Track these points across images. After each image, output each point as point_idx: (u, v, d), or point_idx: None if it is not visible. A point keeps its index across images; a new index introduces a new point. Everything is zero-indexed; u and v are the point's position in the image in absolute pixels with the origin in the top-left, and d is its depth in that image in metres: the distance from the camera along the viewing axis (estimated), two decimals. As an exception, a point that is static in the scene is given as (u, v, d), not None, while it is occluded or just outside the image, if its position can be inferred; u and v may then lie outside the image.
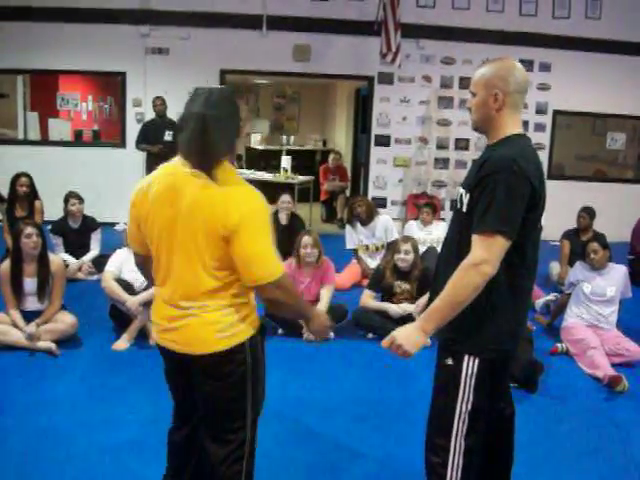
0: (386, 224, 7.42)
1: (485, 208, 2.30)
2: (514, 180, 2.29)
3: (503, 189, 2.28)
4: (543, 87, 10.46)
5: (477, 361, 2.46)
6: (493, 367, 2.51)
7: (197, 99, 2.30)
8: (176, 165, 2.37)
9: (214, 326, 2.35)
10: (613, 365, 4.97)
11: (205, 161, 2.27)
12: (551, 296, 6.36)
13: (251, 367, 2.43)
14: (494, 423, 2.68)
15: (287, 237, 6.54)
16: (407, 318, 5.42)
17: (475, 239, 2.32)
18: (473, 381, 2.46)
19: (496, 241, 2.28)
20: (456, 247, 2.46)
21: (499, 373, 2.57)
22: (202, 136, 2.25)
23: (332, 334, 5.55)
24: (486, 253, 2.28)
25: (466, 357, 2.46)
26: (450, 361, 2.50)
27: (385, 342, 2.42)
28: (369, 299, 5.69)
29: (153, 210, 2.37)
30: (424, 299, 5.52)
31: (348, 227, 7.54)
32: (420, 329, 2.37)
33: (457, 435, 2.51)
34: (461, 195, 2.49)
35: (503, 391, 2.73)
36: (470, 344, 2.46)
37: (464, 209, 2.44)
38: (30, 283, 5.02)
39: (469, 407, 2.48)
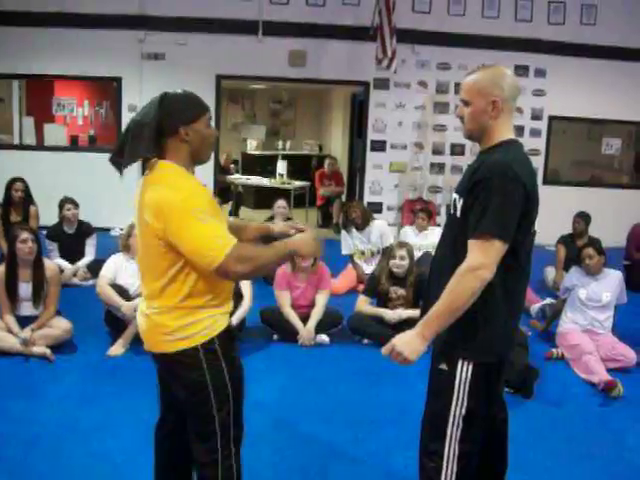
0: (381, 229, 7.42)
1: (481, 213, 2.31)
2: (509, 185, 2.30)
3: (499, 194, 2.28)
4: (538, 93, 10.49)
5: (471, 366, 2.46)
6: (487, 371, 2.51)
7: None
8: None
9: (161, 328, 2.38)
10: (608, 370, 4.97)
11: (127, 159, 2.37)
12: (547, 301, 6.36)
13: (209, 374, 2.39)
14: (488, 428, 2.67)
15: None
16: (402, 324, 5.43)
17: (472, 244, 2.33)
18: (467, 386, 2.46)
19: (493, 246, 2.29)
20: (451, 252, 2.47)
21: (493, 377, 2.57)
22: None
23: (327, 339, 5.55)
24: (483, 258, 2.29)
25: (460, 362, 2.46)
26: (444, 366, 2.50)
27: (385, 349, 2.41)
28: (364, 304, 5.69)
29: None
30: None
31: (343, 232, 7.53)
32: (419, 335, 2.37)
33: (451, 440, 2.50)
34: (455, 200, 2.49)
35: (496, 395, 2.73)
36: (465, 348, 2.46)
37: (458, 214, 2.45)
38: (25, 288, 5.02)
39: (463, 412, 2.48)
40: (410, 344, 2.36)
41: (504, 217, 2.29)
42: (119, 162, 2.37)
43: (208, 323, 2.40)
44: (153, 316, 2.40)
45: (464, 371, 2.46)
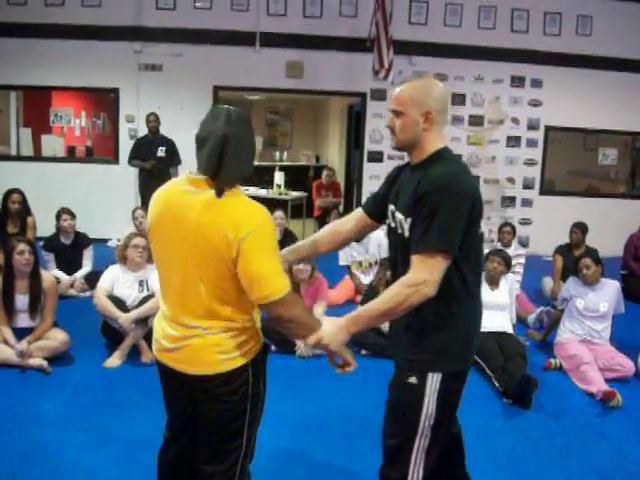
0: (380, 240, 7.41)
1: (425, 228, 2.29)
2: (454, 198, 2.28)
3: (444, 208, 2.27)
4: (535, 103, 10.53)
5: (440, 376, 2.45)
6: (456, 380, 2.52)
7: (218, 117, 2.26)
8: (181, 182, 2.36)
9: (217, 347, 2.33)
10: (607, 380, 4.97)
11: (226, 179, 2.25)
12: (541, 308, 6.34)
13: (251, 387, 2.41)
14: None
15: (280, 253, 6.51)
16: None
17: (415, 260, 2.32)
18: (436, 396, 2.46)
19: (437, 261, 2.28)
20: (403, 272, 2.40)
21: (461, 385, 2.58)
22: (224, 154, 2.23)
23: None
24: (427, 274, 2.28)
25: (430, 374, 2.45)
26: (414, 380, 2.47)
27: (311, 340, 2.37)
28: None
29: (156, 228, 2.38)
30: None
31: (341, 242, 7.50)
32: (346, 329, 2.37)
33: (419, 450, 2.50)
34: (400, 221, 2.46)
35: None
36: (435, 362, 2.46)
37: (406, 234, 2.42)
38: (22, 300, 5.00)
39: (432, 422, 2.48)
40: (336, 337, 2.36)
41: (448, 232, 2.27)
42: (225, 182, 2.25)
43: (255, 339, 2.43)
44: (207, 336, 2.33)
45: (434, 382, 2.45)
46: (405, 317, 2.42)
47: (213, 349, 2.33)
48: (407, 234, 2.41)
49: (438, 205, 2.27)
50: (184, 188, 2.31)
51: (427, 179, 2.32)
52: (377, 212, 2.74)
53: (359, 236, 2.95)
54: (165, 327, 2.43)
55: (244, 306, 2.34)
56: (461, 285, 2.41)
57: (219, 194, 2.22)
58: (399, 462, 2.54)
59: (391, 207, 2.55)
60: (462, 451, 2.94)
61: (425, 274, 2.27)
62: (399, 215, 2.47)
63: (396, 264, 2.56)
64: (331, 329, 2.37)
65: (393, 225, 2.53)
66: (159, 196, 2.39)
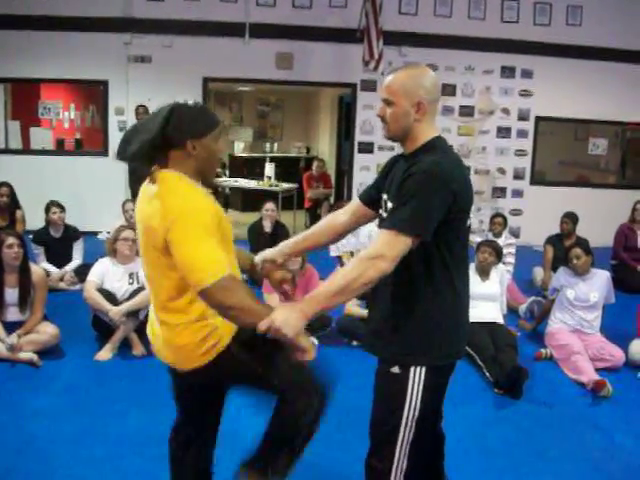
0: (370, 230, 7.41)
1: (397, 207, 2.28)
2: (434, 184, 2.25)
3: (421, 192, 2.24)
4: (525, 93, 10.53)
5: (424, 369, 2.43)
6: (441, 374, 2.50)
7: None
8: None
9: (189, 346, 2.34)
10: (597, 370, 4.99)
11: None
12: (532, 298, 6.36)
13: (249, 360, 2.41)
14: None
15: (271, 245, 6.48)
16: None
17: (380, 234, 2.29)
18: (421, 388, 2.43)
19: (399, 240, 2.22)
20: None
21: (446, 379, 2.57)
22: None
23: (316, 341, 5.53)
24: (387, 250, 2.22)
25: (412, 367, 2.43)
26: (397, 369, 2.45)
27: (262, 325, 2.19)
28: (353, 306, 5.68)
29: (136, 221, 2.44)
30: None
31: (332, 232, 7.47)
32: (301, 312, 2.21)
33: (403, 443, 2.49)
34: (385, 202, 2.47)
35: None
36: (419, 354, 2.43)
37: (384, 215, 2.42)
38: (11, 294, 4.97)
39: (416, 414, 2.46)
40: (289, 320, 2.18)
41: (419, 215, 2.23)
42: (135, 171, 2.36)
43: (223, 322, 2.34)
44: (174, 337, 2.36)
45: (417, 375, 2.42)
46: (385, 308, 2.41)
47: (176, 344, 2.36)
48: (384, 215, 2.41)
49: (416, 188, 2.24)
50: (146, 183, 2.39)
51: (414, 166, 2.30)
52: (373, 201, 2.70)
53: (357, 226, 2.93)
54: (152, 321, 2.49)
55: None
56: (443, 277, 2.38)
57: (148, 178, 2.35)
58: (384, 453, 2.53)
59: (384, 196, 2.52)
60: (441, 452, 2.87)
61: (384, 249, 2.22)
62: (390, 204, 2.44)
63: None
64: (284, 313, 2.19)
65: (385, 215, 2.50)
66: (141, 190, 2.42)
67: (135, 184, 2.29)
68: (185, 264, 2.17)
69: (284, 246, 2.88)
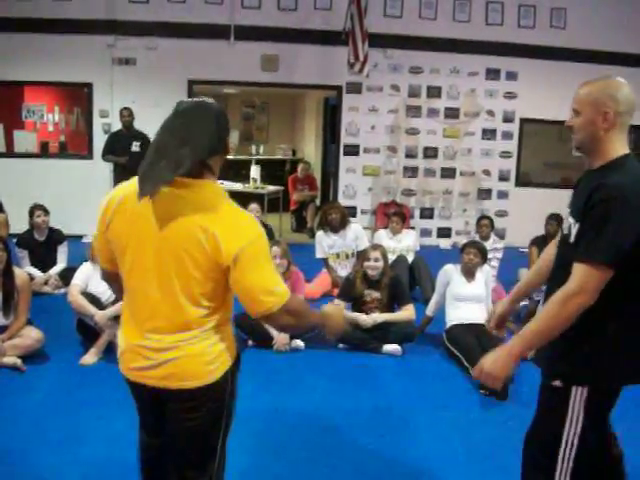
0: (357, 232, 7.42)
1: (593, 237, 2.22)
2: (629, 211, 2.20)
3: (616, 220, 2.19)
4: (510, 95, 10.58)
5: (586, 389, 2.37)
6: (604, 394, 2.44)
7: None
8: None
9: (202, 358, 2.21)
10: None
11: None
12: (523, 302, 6.38)
13: (230, 396, 2.34)
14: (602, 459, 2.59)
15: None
16: (378, 328, 5.43)
17: (577, 267, 2.25)
18: (583, 405, 2.37)
19: (598, 272, 2.20)
20: (564, 279, 2.32)
21: (611, 399, 2.50)
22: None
23: (302, 344, 5.53)
24: (585, 283, 2.21)
25: (576, 385, 2.38)
26: (559, 383, 2.41)
27: (475, 373, 2.36)
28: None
29: (126, 229, 2.19)
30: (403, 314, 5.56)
31: (319, 233, 7.48)
32: (508, 353, 2.32)
33: (564, 457, 2.42)
34: (570, 226, 2.41)
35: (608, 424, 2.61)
36: (581, 376, 2.38)
37: (571, 239, 2.36)
38: (-6, 298, 4.94)
39: (578, 431, 2.39)
40: (498, 362, 2.30)
41: (616, 245, 2.20)
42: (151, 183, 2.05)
43: (233, 347, 2.34)
44: (190, 347, 2.18)
45: (578, 393, 2.37)
46: None
47: (198, 359, 2.21)
48: (572, 239, 2.35)
49: (610, 215, 2.19)
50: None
51: (603, 188, 2.24)
52: None
53: None
54: (136, 339, 2.26)
55: (223, 312, 2.25)
56: (623, 300, 2.31)
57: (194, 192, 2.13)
58: (544, 467, 2.49)
59: (567, 211, 2.48)
60: (620, 473, 2.71)
61: (584, 283, 2.21)
62: (571, 219, 2.41)
63: (556, 272, 2.49)
64: (491, 356, 2.34)
65: (566, 232, 2.46)
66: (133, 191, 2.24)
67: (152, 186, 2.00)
68: (255, 289, 2.12)
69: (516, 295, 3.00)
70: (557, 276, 2.43)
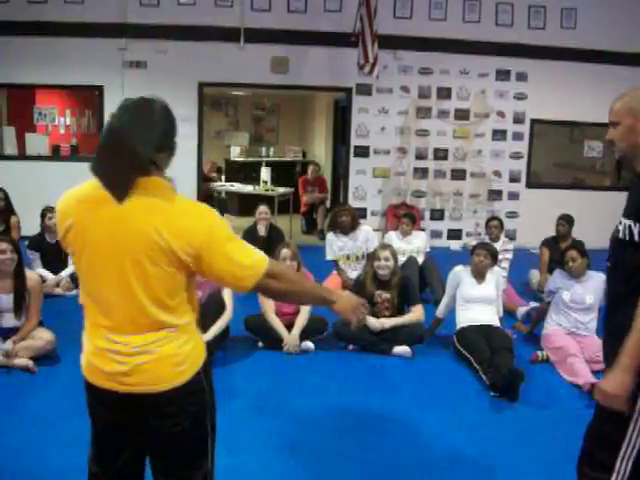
0: (367, 234, 7.41)
1: None
2: None
3: None
4: (520, 96, 10.56)
5: None
6: None
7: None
8: None
9: (173, 359, 2.16)
10: (594, 372, 4.98)
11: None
12: (533, 304, 6.38)
13: (209, 395, 2.29)
14: None
15: (265, 249, 6.48)
16: (387, 331, 5.43)
17: None
18: None
19: None
20: (625, 281, 2.37)
21: None
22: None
23: (312, 346, 5.53)
24: None
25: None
26: None
27: (596, 397, 2.37)
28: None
29: (81, 233, 2.13)
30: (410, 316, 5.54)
31: (329, 235, 7.46)
32: (620, 367, 2.28)
33: (624, 457, 2.40)
34: (629, 226, 2.41)
35: None
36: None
37: (636, 238, 2.36)
38: (6, 299, 4.95)
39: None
40: (611, 381, 2.28)
41: None
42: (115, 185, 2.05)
43: (201, 343, 2.31)
44: (158, 349, 2.13)
45: None
46: (618, 320, 2.39)
47: (167, 361, 2.15)
48: (637, 238, 2.35)
49: None
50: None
51: None
52: None
53: None
54: (100, 343, 2.22)
55: (188, 310, 2.23)
56: None
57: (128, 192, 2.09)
58: (601, 464, 2.47)
59: (624, 220, 2.48)
60: None
61: None
62: (626, 221, 2.42)
63: (613, 275, 2.52)
64: (606, 377, 2.34)
65: (621, 236, 2.46)
66: (91, 191, 2.19)
67: (120, 190, 1.97)
68: (231, 267, 2.11)
69: None
70: (616, 278, 2.49)
